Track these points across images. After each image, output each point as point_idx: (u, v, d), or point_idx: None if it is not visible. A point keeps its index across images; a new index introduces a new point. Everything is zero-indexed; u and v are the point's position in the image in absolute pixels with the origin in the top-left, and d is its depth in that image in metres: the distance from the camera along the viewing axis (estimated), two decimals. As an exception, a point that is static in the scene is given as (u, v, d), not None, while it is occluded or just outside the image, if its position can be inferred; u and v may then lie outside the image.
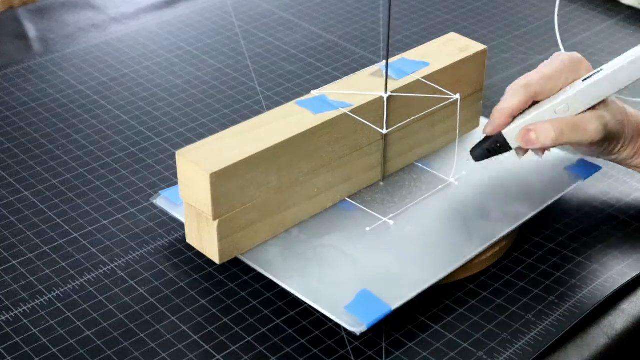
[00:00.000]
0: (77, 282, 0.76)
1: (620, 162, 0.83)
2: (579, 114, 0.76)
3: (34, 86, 1.04)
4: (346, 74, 0.99)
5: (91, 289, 0.75)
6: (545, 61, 0.78)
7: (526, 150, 0.78)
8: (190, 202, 0.73)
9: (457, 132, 0.85)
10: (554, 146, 0.75)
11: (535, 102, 0.77)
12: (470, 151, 0.79)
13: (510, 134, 0.76)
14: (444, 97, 0.82)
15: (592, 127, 0.75)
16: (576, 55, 0.77)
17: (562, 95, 0.75)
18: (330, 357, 0.70)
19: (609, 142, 0.78)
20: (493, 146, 0.77)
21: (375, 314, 0.69)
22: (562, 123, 0.74)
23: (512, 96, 0.76)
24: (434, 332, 0.72)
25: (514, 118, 0.76)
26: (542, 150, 0.78)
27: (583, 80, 0.75)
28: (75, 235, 0.81)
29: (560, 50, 1.11)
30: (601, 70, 0.76)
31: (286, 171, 0.75)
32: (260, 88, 1.04)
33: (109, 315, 0.73)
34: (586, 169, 0.85)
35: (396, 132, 0.81)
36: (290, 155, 0.74)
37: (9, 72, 1.06)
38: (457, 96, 0.81)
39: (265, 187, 0.74)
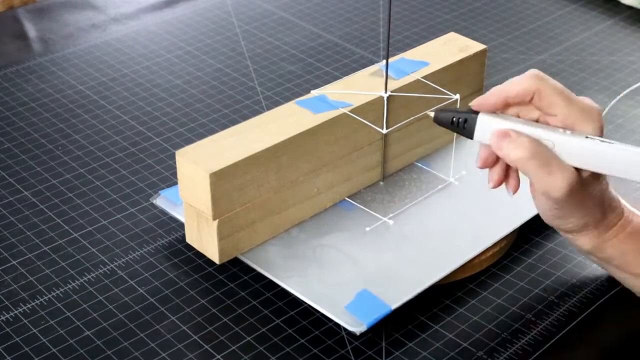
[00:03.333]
0: (77, 282, 0.76)
1: (579, 249, 0.73)
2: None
3: (34, 86, 1.04)
4: (346, 74, 0.99)
5: (91, 289, 0.75)
6: None
7: (489, 163, 0.68)
8: (190, 202, 0.73)
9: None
10: (513, 165, 0.66)
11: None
12: (438, 109, 0.69)
13: (485, 124, 0.67)
14: (444, 97, 0.82)
15: (558, 182, 0.65)
16: (597, 107, 0.67)
17: (559, 132, 0.66)
18: (330, 357, 0.70)
19: (564, 214, 0.68)
20: (460, 120, 0.68)
21: (375, 314, 0.69)
22: (540, 149, 0.65)
23: (517, 81, 0.66)
24: (434, 332, 0.72)
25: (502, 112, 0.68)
26: (490, 164, 0.68)
27: (586, 137, 0.65)
28: (75, 235, 0.81)
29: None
30: (610, 143, 0.65)
31: (286, 171, 0.75)
32: (260, 88, 1.04)
33: (109, 315, 0.73)
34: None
35: (396, 131, 0.81)
36: (290, 155, 0.74)
37: (9, 72, 1.06)
38: (457, 96, 0.81)
39: (265, 186, 0.74)
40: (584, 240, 0.70)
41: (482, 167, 0.69)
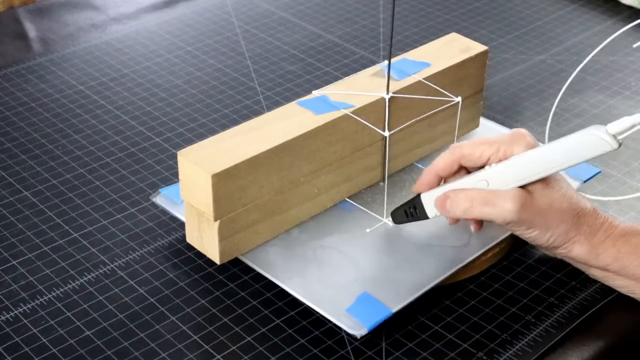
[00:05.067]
0: (77, 282, 0.76)
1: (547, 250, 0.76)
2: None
3: (34, 86, 1.04)
4: (346, 74, 0.99)
5: (91, 289, 0.75)
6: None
7: (458, 220, 0.75)
8: (192, 202, 0.73)
9: (456, 134, 0.85)
10: (465, 217, 0.72)
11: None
12: (392, 212, 0.76)
13: (429, 200, 0.73)
14: (446, 99, 0.82)
15: (506, 206, 0.69)
16: (521, 130, 0.72)
17: (485, 169, 0.71)
18: (330, 357, 0.70)
19: (540, 232, 0.72)
20: (410, 208, 0.74)
21: (376, 317, 0.69)
22: (475, 194, 0.70)
23: (441, 156, 0.73)
24: (434, 333, 0.72)
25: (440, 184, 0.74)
26: (457, 220, 0.75)
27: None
28: (75, 235, 0.81)
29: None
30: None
31: (287, 172, 0.74)
32: (260, 88, 1.04)
33: (109, 315, 0.73)
34: (586, 172, 0.85)
35: (397, 132, 0.81)
36: (291, 156, 0.74)
37: (9, 72, 1.06)
38: (459, 99, 0.81)
39: (266, 187, 0.74)
40: (577, 250, 0.73)
41: (454, 224, 0.76)
